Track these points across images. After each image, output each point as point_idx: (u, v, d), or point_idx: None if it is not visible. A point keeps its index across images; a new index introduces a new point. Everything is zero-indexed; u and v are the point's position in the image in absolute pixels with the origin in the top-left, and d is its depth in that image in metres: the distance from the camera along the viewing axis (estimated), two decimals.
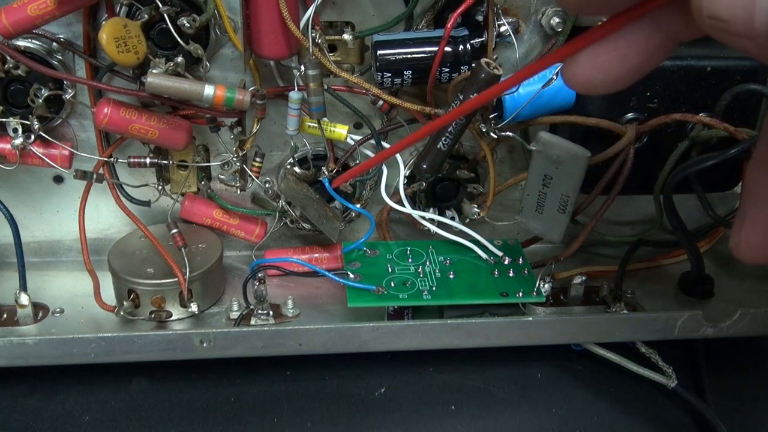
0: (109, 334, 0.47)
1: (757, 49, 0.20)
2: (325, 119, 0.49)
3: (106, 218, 0.56)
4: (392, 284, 0.50)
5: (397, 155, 0.52)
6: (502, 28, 0.49)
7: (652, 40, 0.23)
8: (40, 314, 0.52)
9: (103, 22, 0.46)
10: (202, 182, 0.54)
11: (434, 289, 0.50)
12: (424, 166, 0.48)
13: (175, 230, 0.52)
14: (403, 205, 0.53)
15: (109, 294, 0.52)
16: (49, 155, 0.50)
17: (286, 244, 0.58)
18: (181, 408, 0.50)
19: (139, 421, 0.49)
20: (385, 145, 0.52)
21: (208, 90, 0.46)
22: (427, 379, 0.53)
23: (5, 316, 0.52)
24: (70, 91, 0.49)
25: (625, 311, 0.52)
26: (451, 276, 0.52)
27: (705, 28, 0.21)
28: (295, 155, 0.53)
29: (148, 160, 0.51)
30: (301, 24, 0.46)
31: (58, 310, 0.52)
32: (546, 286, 0.50)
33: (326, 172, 0.53)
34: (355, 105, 0.51)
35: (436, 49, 0.47)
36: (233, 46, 0.50)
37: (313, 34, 0.47)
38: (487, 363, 0.54)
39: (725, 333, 0.51)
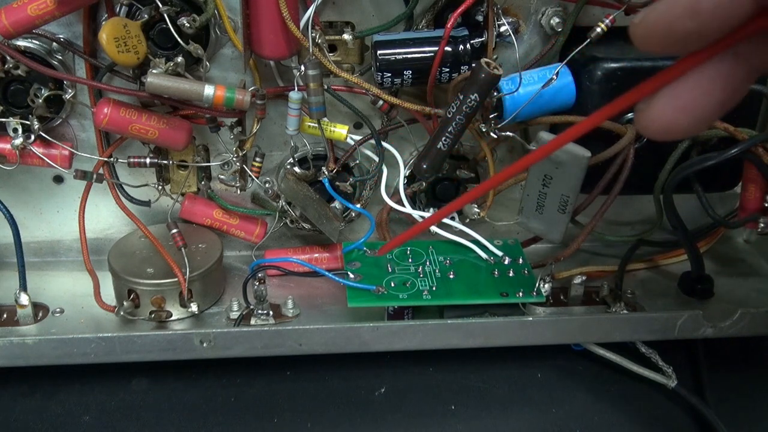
0: (109, 334, 0.47)
1: None
2: (325, 119, 0.49)
3: (106, 218, 0.56)
4: (392, 284, 0.50)
5: (397, 155, 0.53)
6: (502, 28, 0.49)
7: (736, 73, 0.22)
8: (40, 314, 0.52)
9: (103, 22, 0.46)
10: (202, 182, 0.54)
11: (434, 289, 0.50)
12: (424, 166, 0.48)
13: (175, 230, 0.52)
14: (403, 205, 0.53)
15: (109, 294, 0.52)
16: (49, 155, 0.50)
17: (286, 244, 0.58)
18: (181, 408, 0.50)
19: (139, 421, 0.49)
20: (386, 145, 0.52)
21: (208, 90, 0.46)
22: (427, 379, 0.53)
23: (5, 316, 0.52)
24: (70, 91, 0.49)
25: (625, 311, 0.52)
26: (451, 276, 0.52)
27: None
28: (295, 155, 0.53)
29: (148, 160, 0.51)
30: (301, 24, 0.46)
31: (58, 310, 0.52)
32: (546, 286, 0.50)
33: (326, 172, 0.53)
34: (355, 105, 0.51)
35: (436, 49, 0.47)
36: (233, 46, 0.50)
37: (313, 34, 0.47)
38: (487, 363, 0.54)
39: (725, 333, 0.51)
